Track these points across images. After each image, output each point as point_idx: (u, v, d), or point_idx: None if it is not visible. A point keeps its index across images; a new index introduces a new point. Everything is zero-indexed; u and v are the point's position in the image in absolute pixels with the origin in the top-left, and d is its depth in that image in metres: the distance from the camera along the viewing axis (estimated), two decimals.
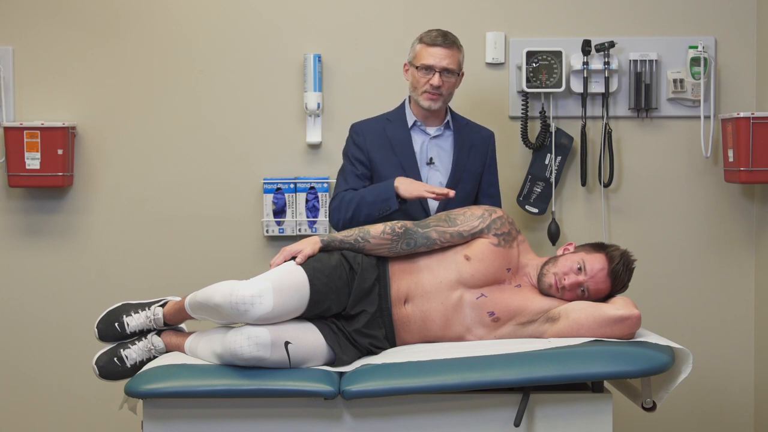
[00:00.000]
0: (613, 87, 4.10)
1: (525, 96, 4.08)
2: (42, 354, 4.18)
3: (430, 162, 3.54)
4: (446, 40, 3.47)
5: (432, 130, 3.56)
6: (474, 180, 3.59)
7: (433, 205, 3.50)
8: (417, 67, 3.48)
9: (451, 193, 3.28)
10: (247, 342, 2.75)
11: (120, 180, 4.16)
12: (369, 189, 3.42)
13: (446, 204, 3.47)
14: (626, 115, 4.15)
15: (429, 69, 3.45)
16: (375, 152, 3.53)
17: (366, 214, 3.35)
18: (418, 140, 3.55)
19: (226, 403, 2.80)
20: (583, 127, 4.11)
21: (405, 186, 3.34)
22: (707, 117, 4.10)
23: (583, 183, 4.13)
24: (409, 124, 3.55)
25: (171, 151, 4.16)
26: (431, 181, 3.53)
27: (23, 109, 4.14)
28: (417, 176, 3.50)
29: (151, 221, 4.17)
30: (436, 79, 3.44)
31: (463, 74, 3.56)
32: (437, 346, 2.97)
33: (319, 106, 4.08)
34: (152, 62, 4.15)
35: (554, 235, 4.10)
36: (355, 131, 3.60)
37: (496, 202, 3.66)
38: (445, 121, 3.57)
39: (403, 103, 3.62)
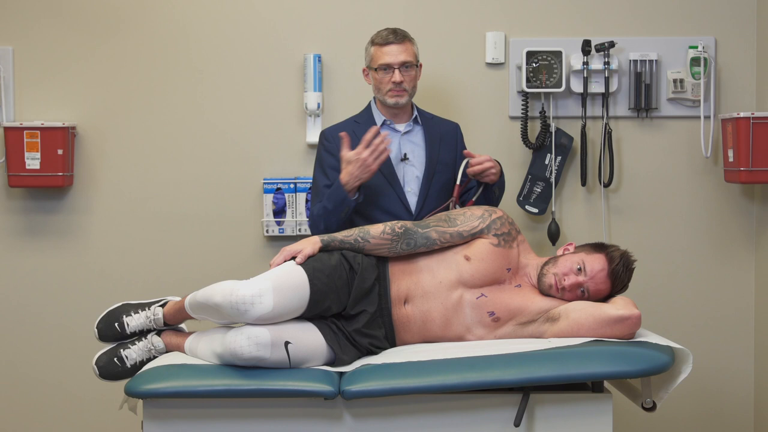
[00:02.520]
0: (613, 87, 4.10)
1: (525, 96, 4.08)
2: (42, 354, 4.18)
3: (405, 158, 3.55)
4: (397, 36, 3.52)
5: (401, 127, 3.59)
6: (448, 171, 3.61)
7: (411, 200, 3.53)
8: (376, 69, 3.52)
9: (383, 135, 3.36)
10: (247, 342, 2.75)
11: (120, 180, 4.16)
12: (327, 197, 3.43)
13: (424, 198, 3.49)
14: (626, 115, 4.15)
15: (388, 67, 3.50)
16: None
17: (335, 221, 3.38)
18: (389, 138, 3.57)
19: (226, 403, 2.80)
20: (583, 127, 4.11)
21: (344, 176, 3.37)
22: (707, 117, 4.10)
23: (583, 183, 4.13)
24: (378, 123, 3.58)
25: (171, 151, 4.16)
26: (408, 177, 3.56)
27: (23, 109, 4.14)
28: (392, 174, 3.52)
29: (151, 221, 4.17)
30: (397, 76, 3.49)
31: (421, 65, 3.61)
32: (437, 346, 2.97)
33: (319, 106, 4.08)
34: (152, 62, 4.15)
35: (554, 235, 4.10)
36: (326, 137, 3.61)
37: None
38: (413, 116, 3.61)
39: (369, 104, 3.64)
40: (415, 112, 3.63)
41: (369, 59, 3.57)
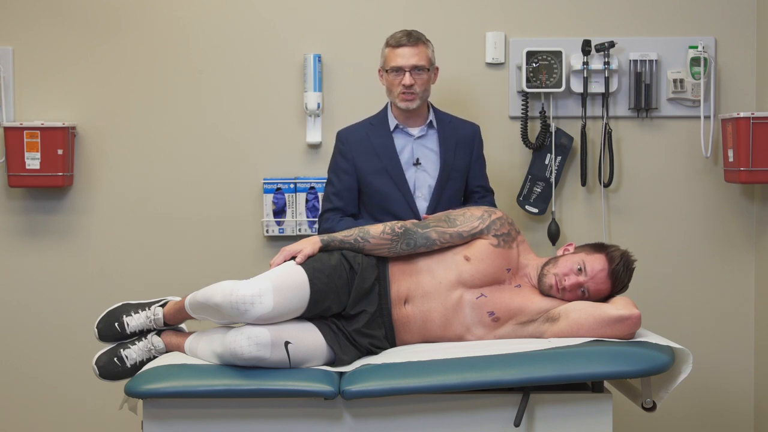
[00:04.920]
0: (613, 87, 4.10)
1: (525, 96, 4.08)
2: (42, 354, 4.18)
3: (417, 163, 3.55)
4: (410, 38, 3.50)
5: (415, 131, 3.57)
6: (463, 176, 3.61)
7: (421, 206, 3.52)
8: (387, 71, 3.51)
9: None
10: (247, 342, 2.75)
11: (120, 180, 4.16)
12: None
13: (436, 204, 3.49)
14: (626, 115, 4.15)
15: (399, 70, 3.48)
16: (360, 159, 3.55)
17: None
18: (401, 143, 3.56)
19: (226, 403, 2.80)
20: (583, 127, 4.11)
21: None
22: (707, 117, 4.10)
23: (583, 183, 4.13)
24: (391, 127, 3.57)
25: (171, 151, 4.16)
26: (419, 182, 3.55)
27: (23, 109, 4.14)
28: (402, 179, 3.51)
29: (151, 221, 4.17)
30: (407, 79, 3.47)
31: (437, 69, 3.59)
32: (437, 346, 2.97)
33: (319, 106, 4.08)
34: (152, 62, 4.15)
35: (554, 235, 4.10)
36: (340, 140, 3.62)
37: (488, 195, 3.68)
38: (428, 120, 3.59)
39: (386, 107, 3.63)
40: (431, 116, 3.59)
41: (382, 61, 3.55)
